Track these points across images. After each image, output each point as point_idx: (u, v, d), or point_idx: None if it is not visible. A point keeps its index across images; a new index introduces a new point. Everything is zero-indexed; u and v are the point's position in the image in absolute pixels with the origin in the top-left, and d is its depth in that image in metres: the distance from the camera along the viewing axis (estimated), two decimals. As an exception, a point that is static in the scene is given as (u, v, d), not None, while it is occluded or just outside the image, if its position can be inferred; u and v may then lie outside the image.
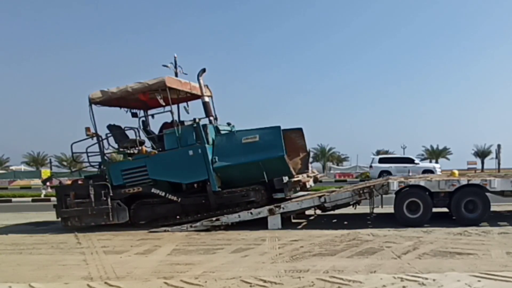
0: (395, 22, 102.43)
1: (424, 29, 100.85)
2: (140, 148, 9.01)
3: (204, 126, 8.71)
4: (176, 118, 9.13)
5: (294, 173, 8.65)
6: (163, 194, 8.70)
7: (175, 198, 8.73)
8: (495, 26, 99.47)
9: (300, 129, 9.55)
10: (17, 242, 7.65)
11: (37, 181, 36.15)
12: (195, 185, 9.15)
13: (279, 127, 8.54)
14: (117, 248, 6.70)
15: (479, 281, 4.25)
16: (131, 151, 9.28)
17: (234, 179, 8.66)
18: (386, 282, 4.26)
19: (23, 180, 41.27)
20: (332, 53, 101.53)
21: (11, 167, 53.48)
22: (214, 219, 8.25)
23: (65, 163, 47.87)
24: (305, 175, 9.23)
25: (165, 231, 8.17)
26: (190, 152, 8.48)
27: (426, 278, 4.35)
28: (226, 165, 8.48)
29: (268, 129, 8.58)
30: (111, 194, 8.68)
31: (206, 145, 8.50)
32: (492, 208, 8.42)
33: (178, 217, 8.76)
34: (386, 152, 65.02)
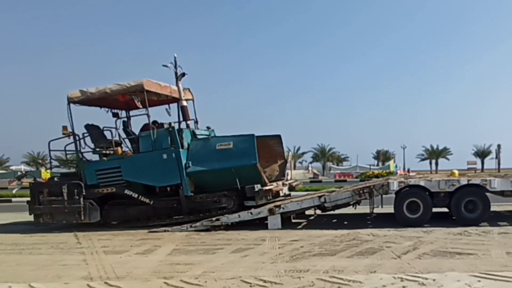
0: (394, 22, 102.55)
1: (423, 29, 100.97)
2: (115, 149, 8.98)
3: (180, 130, 8.74)
4: (154, 120, 9.08)
5: (267, 181, 8.69)
6: (136, 196, 8.69)
7: (147, 201, 8.72)
8: (495, 26, 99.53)
9: (279, 136, 9.58)
10: (17, 242, 7.65)
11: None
12: (168, 188, 9.14)
13: (253, 135, 8.56)
14: (117, 248, 6.71)
15: (479, 281, 4.24)
16: (107, 152, 9.26)
17: (207, 185, 8.69)
18: (386, 282, 4.26)
19: (23, 180, 41.12)
20: (332, 53, 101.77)
21: (11, 167, 53.47)
22: (214, 219, 8.24)
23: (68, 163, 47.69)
24: (280, 182, 9.24)
25: (165, 231, 8.16)
26: (164, 156, 8.50)
27: (426, 278, 4.35)
28: (199, 170, 8.50)
29: (243, 137, 8.62)
30: (83, 193, 8.68)
31: (180, 150, 8.51)
32: (492, 208, 8.43)
33: (149, 219, 8.78)
34: (386, 152, 65.13)
